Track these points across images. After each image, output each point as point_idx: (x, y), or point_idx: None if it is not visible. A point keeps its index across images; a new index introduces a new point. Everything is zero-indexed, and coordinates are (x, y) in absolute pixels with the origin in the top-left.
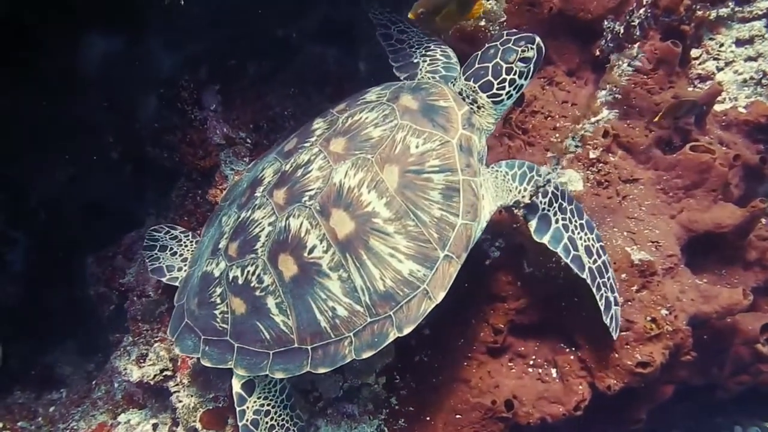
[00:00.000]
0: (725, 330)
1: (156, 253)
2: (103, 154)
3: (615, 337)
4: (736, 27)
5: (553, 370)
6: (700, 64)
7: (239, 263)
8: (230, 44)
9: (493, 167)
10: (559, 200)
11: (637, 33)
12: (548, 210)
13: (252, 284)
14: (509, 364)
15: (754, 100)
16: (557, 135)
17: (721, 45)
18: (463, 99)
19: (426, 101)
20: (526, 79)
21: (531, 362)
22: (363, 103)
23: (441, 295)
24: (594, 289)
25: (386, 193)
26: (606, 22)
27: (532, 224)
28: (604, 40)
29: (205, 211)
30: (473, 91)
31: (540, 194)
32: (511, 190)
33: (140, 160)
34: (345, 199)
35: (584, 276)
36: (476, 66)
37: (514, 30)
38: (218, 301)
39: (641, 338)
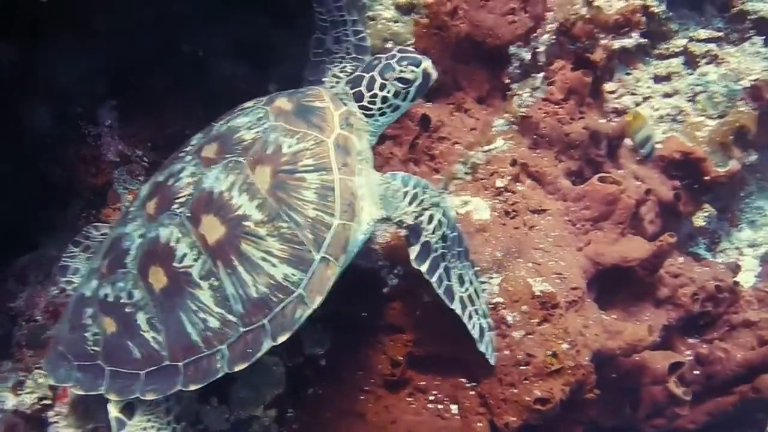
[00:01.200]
0: (633, 368)
1: (77, 252)
2: None
3: (492, 363)
4: (653, 63)
5: (454, 406)
6: (616, 98)
7: (109, 280)
8: (132, 59)
9: (385, 176)
10: (443, 228)
11: (543, 60)
12: (431, 236)
13: (122, 300)
14: (408, 398)
15: (670, 136)
16: (464, 162)
17: (638, 80)
18: (340, 101)
19: (301, 102)
20: (404, 100)
21: (431, 397)
22: (239, 110)
23: (318, 300)
24: (465, 318)
25: (258, 195)
26: (512, 48)
27: (414, 249)
28: (511, 67)
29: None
30: (347, 96)
31: (425, 220)
32: (397, 207)
33: (33, 177)
34: (215, 204)
35: (453, 307)
36: (357, 72)
37: (410, 48)
38: (89, 322)
39: (541, 373)
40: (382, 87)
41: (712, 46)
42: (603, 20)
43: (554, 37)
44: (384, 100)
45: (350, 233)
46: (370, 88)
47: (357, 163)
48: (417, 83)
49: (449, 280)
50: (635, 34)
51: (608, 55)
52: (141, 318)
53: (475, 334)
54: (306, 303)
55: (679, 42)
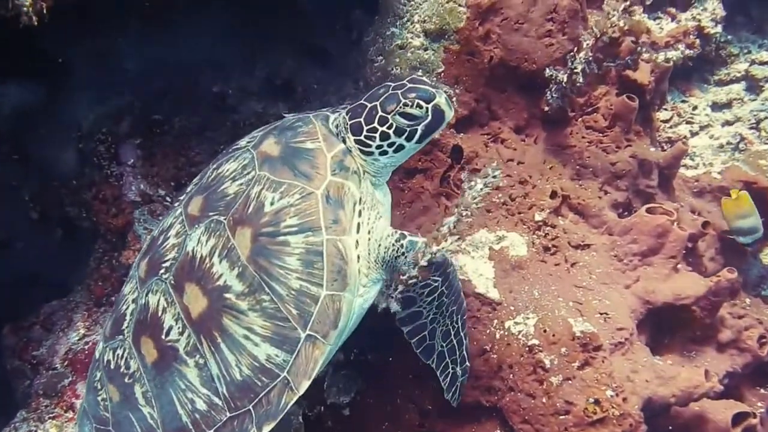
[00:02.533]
0: (691, 418)
1: None
2: (22, 215)
3: (455, 406)
4: (712, 90)
5: None
6: (670, 127)
7: (111, 345)
8: (158, 98)
9: (395, 234)
10: (443, 298)
11: (581, 80)
12: (425, 307)
13: (121, 369)
14: None
15: (730, 166)
16: (500, 195)
17: (695, 108)
18: (336, 135)
19: (289, 144)
20: (409, 140)
21: None
22: (233, 151)
23: (304, 386)
24: (439, 371)
25: (238, 262)
26: (548, 71)
27: (399, 312)
28: (549, 92)
29: (120, 276)
30: (345, 128)
31: (425, 292)
32: (396, 268)
33: (61, 221)
34: (197, 271)
35: (429, 362)
36: (360, 101)
37: (425, 79)
38: (99, 386)
39: (582, 423)
40: (383, 121)
41: None
42: (642, 30)
43: (590, 54)
44: (384, 136)
45: (341, 305)
46: (369, 120)
47: (353, 216)
48: (425, 122)
49: (431, 340)
50: (681, 46)
51: (657, 78)
52: (138, 391)
53: (445, 384)
54: (292, 389)
55: (740, 66)
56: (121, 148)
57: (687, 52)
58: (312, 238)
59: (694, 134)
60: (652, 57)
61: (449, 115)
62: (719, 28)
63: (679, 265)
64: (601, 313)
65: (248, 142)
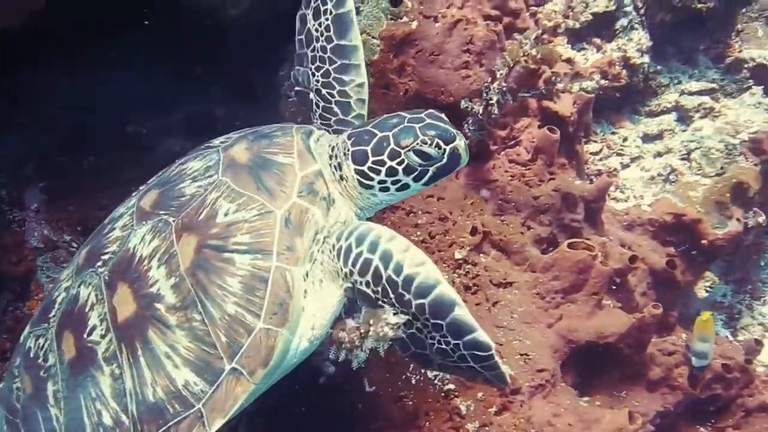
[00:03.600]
0: None
1: None
2: None
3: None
4: (643, 121)
5: None
6: (600, 159)
7: (35, 332)
8: (66, 139)
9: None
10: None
11: (496, 111)
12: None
13: (39, 360)
14: None
15: (660, 198)
16: (418, 233)
17: (625, 139)
18: (331, 157)
19: (260, 153)
20: (416, 180)
21: None
22: (204, 148)
23: (218, 424)
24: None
25: (176, 271)
26: (464, 103)
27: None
28: (466, 125)
29: (24, 327)
30: (344, 153)
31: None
32: (337, 275)
33: None
34: (133, 272)
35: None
36: (368, 126)
37: (441, 115)
38: (16, 373)
39: None
40: (394, 155)
41: (706, 98)
42: (556, 59)
43: (504, 84)
44: (391, 172)
45: (277, 342)
46: (377, 151)
47: (311, 246)
48: (439, 164)
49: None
50: (596, 76)
51: (579, 109)
52: (50, 388)
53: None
54: (204, 424)
55: (670, 97)
56: (24, 192)
57: (602, 81)
58: (260, 261)
59: (625, 166)
60: (567, 87)
61: (464, 161)
62: (646, 58)
63: (603, 302)
64: (521, 354)
65: (221, 142)
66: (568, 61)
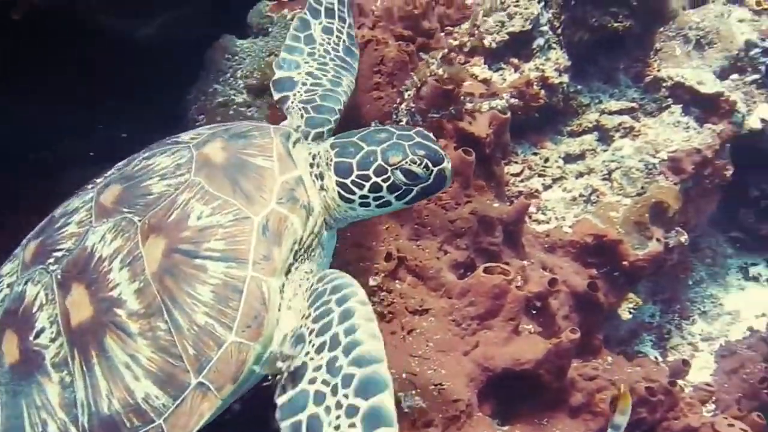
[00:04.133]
0: None
1: None
2: None
3: None
4: (565, 141)
5: None
6: (521, 180)
7: None
8: None
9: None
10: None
11: None
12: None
13: None
14: None
15: (581, 219)
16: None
17: (547, 160)
18: (311, 165)
19: (238, 154)
20: (399, 199)
21: None
22: (171, 143)
23: None
24: None
25: (141, 275)
26: (374, 125)
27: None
28: None
29: None
30: (327, 163)
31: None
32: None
33: None
34: (91, 273)
35: None
36: (354, 138)
37: (429, 135)
38: None
39: None
40: (380, 172)
41: (625, 117)
42: (464, 79)
43: (413, 105)
44: (375, 188)
45: (248, 357)
46: (363, 165)
47: (290, 256)
48: (424, 184)
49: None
50: (506, 95)
51: (495, 130)
52: None
53: None
54: None
55: (591, 116)
56: None
57: (512, 100)
58: (235, 270)
59: (546, 187)
60: (476, 107)
61: (448, 184)
62: (565, 78)
63: (522, 327)
64: (435, 385)
65: (192, 139)
66: (485, 81)
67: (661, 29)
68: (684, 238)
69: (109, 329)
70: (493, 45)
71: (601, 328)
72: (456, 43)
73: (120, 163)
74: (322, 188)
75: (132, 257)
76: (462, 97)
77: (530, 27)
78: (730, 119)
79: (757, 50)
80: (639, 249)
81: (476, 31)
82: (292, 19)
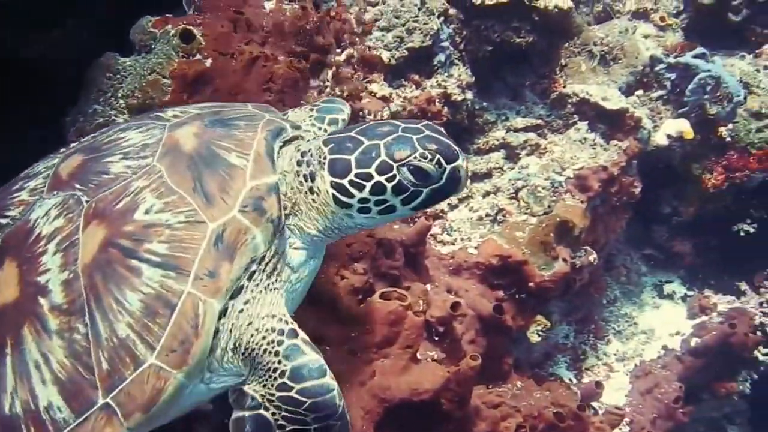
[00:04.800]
0: None
1: None
2: None
3: None
4: (472, 159)
5: None
6: None
7: None
8: None
9: (280, 321)
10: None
11: None
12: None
13: None
14: None
15: (486, 239)
16: None
17: None
18: (300, 163)
19: (211, 145)
20: (405, 203)
21: None
22: (152, 117)
23: None
24: None
25: (72, 266)
26: None
27: None
28: None
29: None
30: (320, 161)
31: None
32: (258, 368)
33: None
34: (25, 251)
35: None
36: (351, 132)
37: (439, 128)
38: None
39: None
40: (384, 169)
41: (531, 135)
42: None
43: None
44: (377, 189)
45: (167, 387)
46: (363, 162)
47: (239, 275)
48: (436, 185)
49: None
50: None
51: None
52: None
53: None
54: None
55: (497, 134)
56: None
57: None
58: (172, 282)
59: (453, 207)
60: None
61: (463, 187)
62: (469, 95)
63: (421, 354)
64: None
65: (174, 116)
66: (384, 98)
67: (567, 45)
68: (593, 257)
69: (29, 319)
70: (393, 61)
71: (510, 352)
72: (342, 59)
73: (104, 129)
74: (311, 191)
75: (69, 242)
76: (362, 114)
77: (430, 42)
78: (635, 135)
79: (662, 66)
80: (545, 270)
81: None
82: (175, 35)
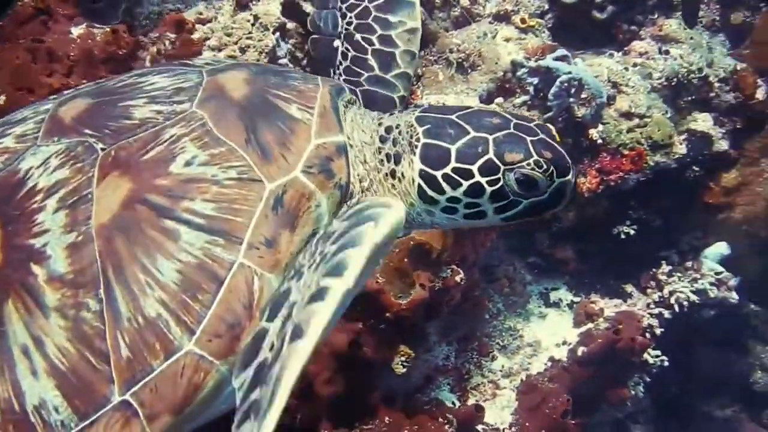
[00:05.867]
0: None
1: None
2: None
3: None
4: None
5: None
6: None
7: None
8: None
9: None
10: None
11: None
12: None
13: None
14: None
15: None
16: None
17: None
18: (383, 140)
19: (266, 93)
20: (499, 212)
21: None
22: (178, 65)
23: None
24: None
25: (83, 225)
26: None
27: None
28: None
29: None
30: (410, 143)
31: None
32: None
33: None
34: (15, 207)
35: None
36: (453, 115)
37: (551, 128)
38: None
39: None
40: (489, 170)
41: None
42: None
43: None
44: (474, 191)
45: (206, 382)
46: (465, 157)
47: (299, 247)
48: (537, 199)
49: None
50: None
51: None
52: None
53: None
54: None
55: None
56: None
57: None
58: (219, 250)
59: None
60: None
61: (563, 204)
62: None
63: None
64: None
65: (207, 64)
66: None
67: (422, 54)
68: (459, 276)
69: (14, 291)
70: None
71: (376, 387)
72: None
73: (100, 80)
74: (392, 175)
75: (77, 197)
76: None
77: (266, 60)
78: None
79: (523, 70)
80: (402, 297)
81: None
82: None
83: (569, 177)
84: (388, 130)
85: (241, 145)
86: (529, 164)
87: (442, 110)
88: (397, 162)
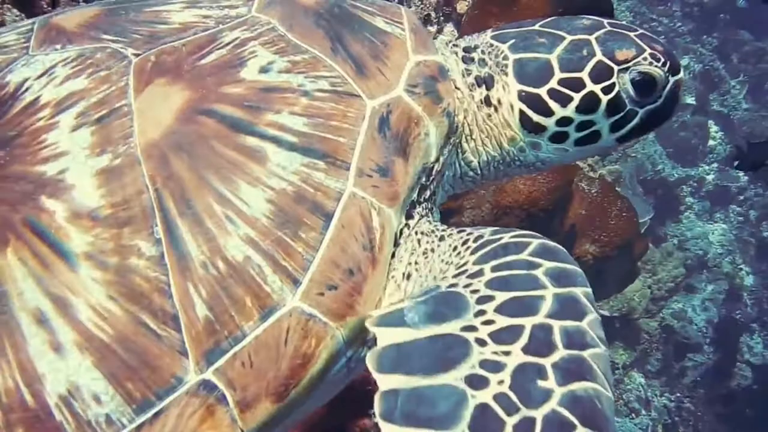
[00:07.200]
0: None
1: None
2: None
3: None
4: None
5: None
6: None
7: None
8: None
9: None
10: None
11: None
12: None
13: None
14: None
15: None
16: None
17: None
18: (467, 60)
19: (344, 3)
20: (614, 130)
21: None
22: None
23: None
24: None
25: (122, 145)
26: None
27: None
28: None
29: None
30: (498, 64)
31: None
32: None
33: None
34: (10, 125)
35: None
36: (534, 26)
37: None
38: None
39: None
40: (601, 74)
41: None
42: None
43: None
44: (589, 104)
45: (318, 351)
46: (570, 64)
47: (415, 180)
48: (652, 106)
49: None
50: None
51: None
52: None
53: None
54: None
55: None
56: None
57: None
58: (321, 175)
59: None
60: None
61: (674, 114)
62: None
63: None
64: None
65: None
66: None
67: None
68: None
69: (15, 236)
70: None
71: None
72: None
73: None
74: (486, 102)
75: (109, 110)
76: None
77: None
78: None
79: None
80: None
81: None
82: None
83: (681, 75)
84: (467, 50)
85: (326, 53)
86: (645, 59)
87: (518, 25)
88: (489, 87)
